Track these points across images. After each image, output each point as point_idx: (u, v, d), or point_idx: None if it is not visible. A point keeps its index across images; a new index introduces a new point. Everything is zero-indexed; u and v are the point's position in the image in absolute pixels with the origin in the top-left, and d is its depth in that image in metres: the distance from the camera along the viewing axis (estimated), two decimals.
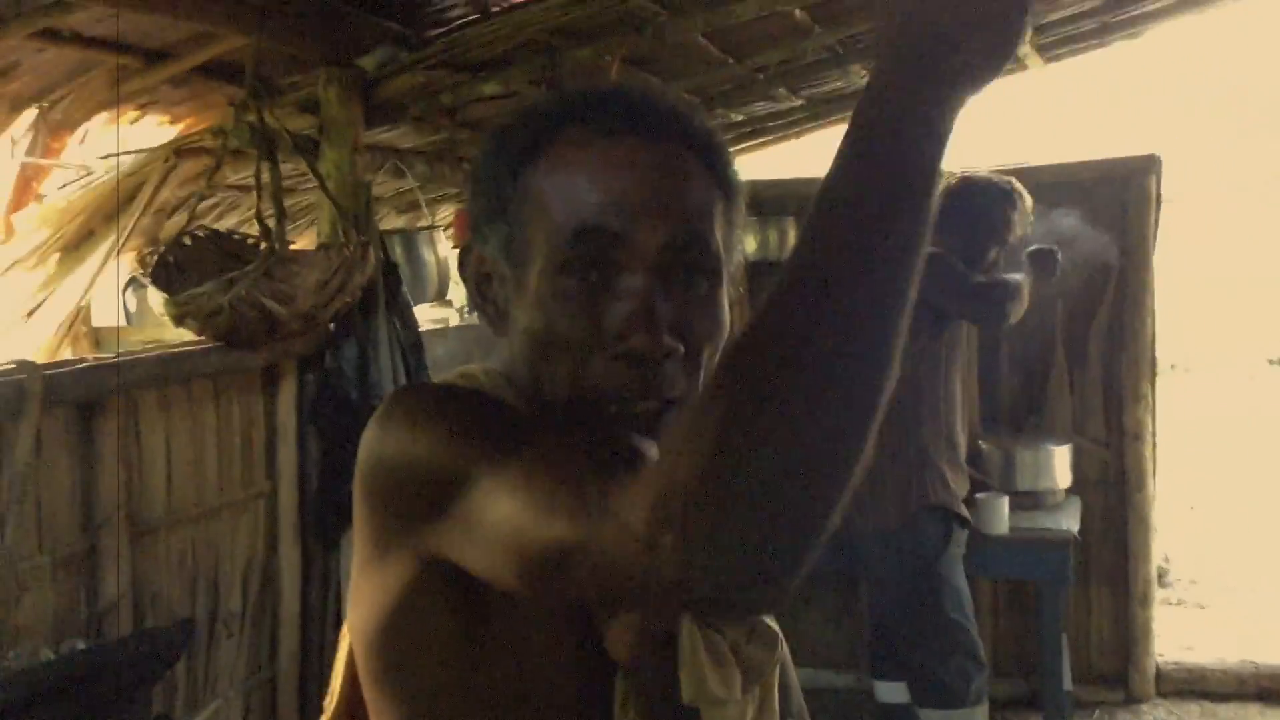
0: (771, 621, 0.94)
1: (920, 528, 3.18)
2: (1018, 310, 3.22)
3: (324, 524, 2.88)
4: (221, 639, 2.63)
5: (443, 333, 3.90)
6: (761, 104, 4.62)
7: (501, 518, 0.74)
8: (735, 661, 0.88)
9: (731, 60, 3.93)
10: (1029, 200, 3.32)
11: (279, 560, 2.81)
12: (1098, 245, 3.68)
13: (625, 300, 0.85)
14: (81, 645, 2.16)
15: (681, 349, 0.86)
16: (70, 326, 3.03)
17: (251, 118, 2.76)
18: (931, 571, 3.18)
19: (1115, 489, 4.19)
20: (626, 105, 0.90)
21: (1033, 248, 3.34)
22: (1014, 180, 3.34)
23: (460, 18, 3.26)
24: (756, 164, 5.43)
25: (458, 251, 1.00)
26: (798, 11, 3.60)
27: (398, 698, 0.87)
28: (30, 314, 2.97)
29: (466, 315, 4.51)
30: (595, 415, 0.86)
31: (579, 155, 0.88)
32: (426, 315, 4.13)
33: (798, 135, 5.19)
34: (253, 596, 2.74)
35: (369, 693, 0.90)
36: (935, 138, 0.63)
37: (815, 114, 4.96)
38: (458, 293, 4.70)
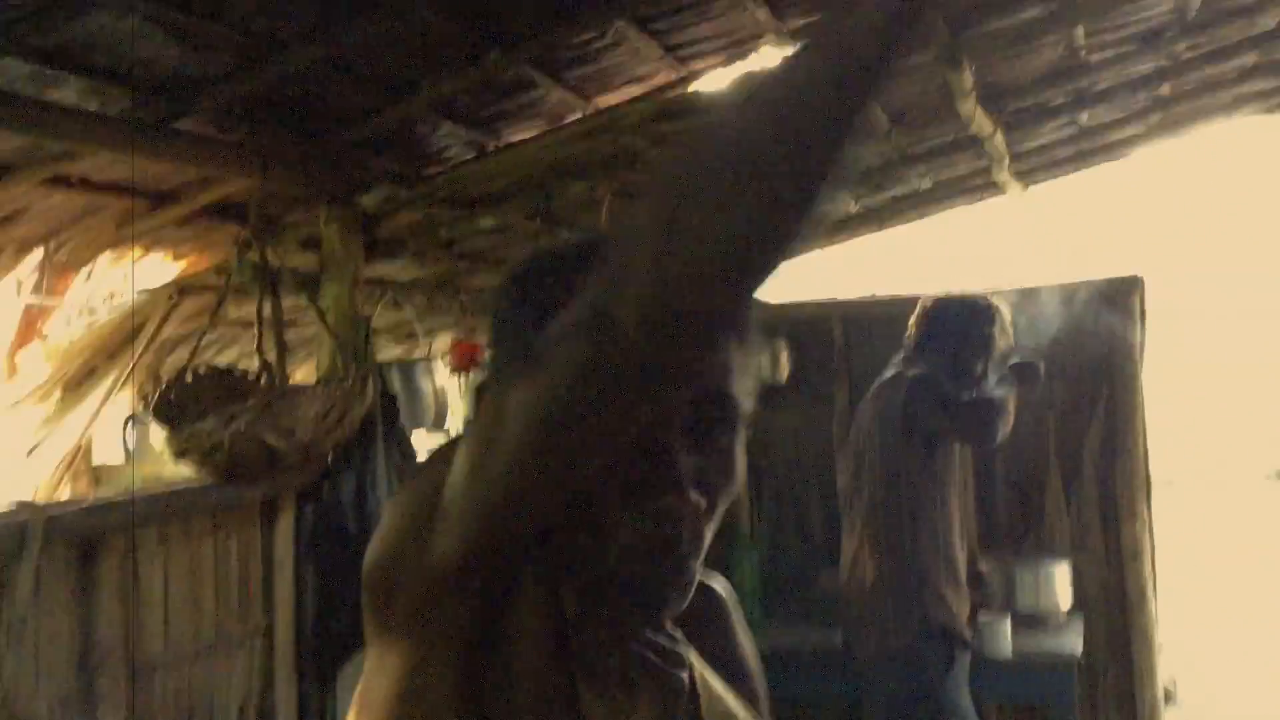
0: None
1: (922, 651, 3.16)
2: (1005, 426, 3.25)
3: (321, 658, 2.85)
4: None
5: None
6: None
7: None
8: None
9: None
10: (1006, 313, 3.37)
11: (275, 696, 2.78)
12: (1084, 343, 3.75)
13: (651, 459, 0.85)
14: None
15: (704, 505, 0.87)
16: (70, 464, 3.05)
17: (254, 256, 2.83)
18: (936, 696, 3.14)
19: (1117, 608, 4.17)
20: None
21: (1015, 361, 3.38)
22: (988, 296, 3.40)
23: (457, 156, 3.36)
24: None
25: (474, 393, 1.01)
26: None
27: None
28: (31, 452, 2.99)
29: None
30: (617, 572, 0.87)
31: None
32: (424, 443, 4.15)
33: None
34: None
35: None
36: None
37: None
38: (455, 421, 4.74)
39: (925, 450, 3.20)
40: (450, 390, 4.80)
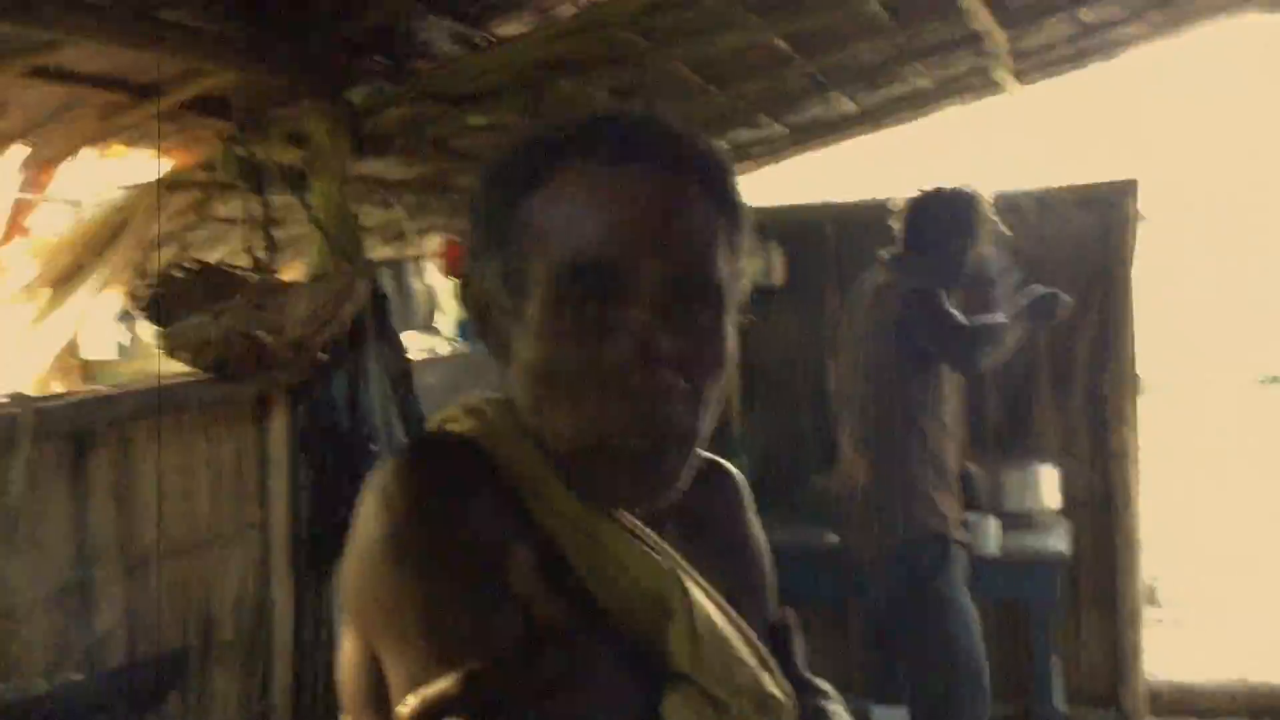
0: (778, 688, 0.92)
1: (913, 552, 3.20)
2: (994, 356, 3.21)
3: (316, 554, 2.88)
4: (215, 671, 2.63)
5: (431, 361, 3.91)
6: (744, 131, 4.67)
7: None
8: None
9: (714, 89, 3.98)
10: (988, 201, 3.33)
11: (272, 591, 2.81)
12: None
13: (625, 335, 0.84)
14: (76, 677, 2.16)
15: (683, 383, 0.86)
16: (60, 360, 3.04)
17: (240, 151, 2.79)
18: (931, 591, 3.19)
19: (1103, 510, 4.22)
20: (626, 133, 0.89)
21: (1038, 293, 3.30)
22: (971, 185, 3.36)
23: (447, 51, 3.29)
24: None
25: (459, 281, 0.98)
26: (779, 40, 3.65)
27: None
28: (20, 347, 2.97)
29: (454, 344, 4.53)
30: (596, 453, 0.86)
31: (578, 186, 0.87)
32: (417, 344, 4.15)
33: (779, 161, 5.23)
34: (246, 628, 2.73)
35: None
36: None
37: (797, 140, 5.01)
38: (445, 321, 4.73)
39: (918, 364, 3.20)
40: (440, 291, 4.79)
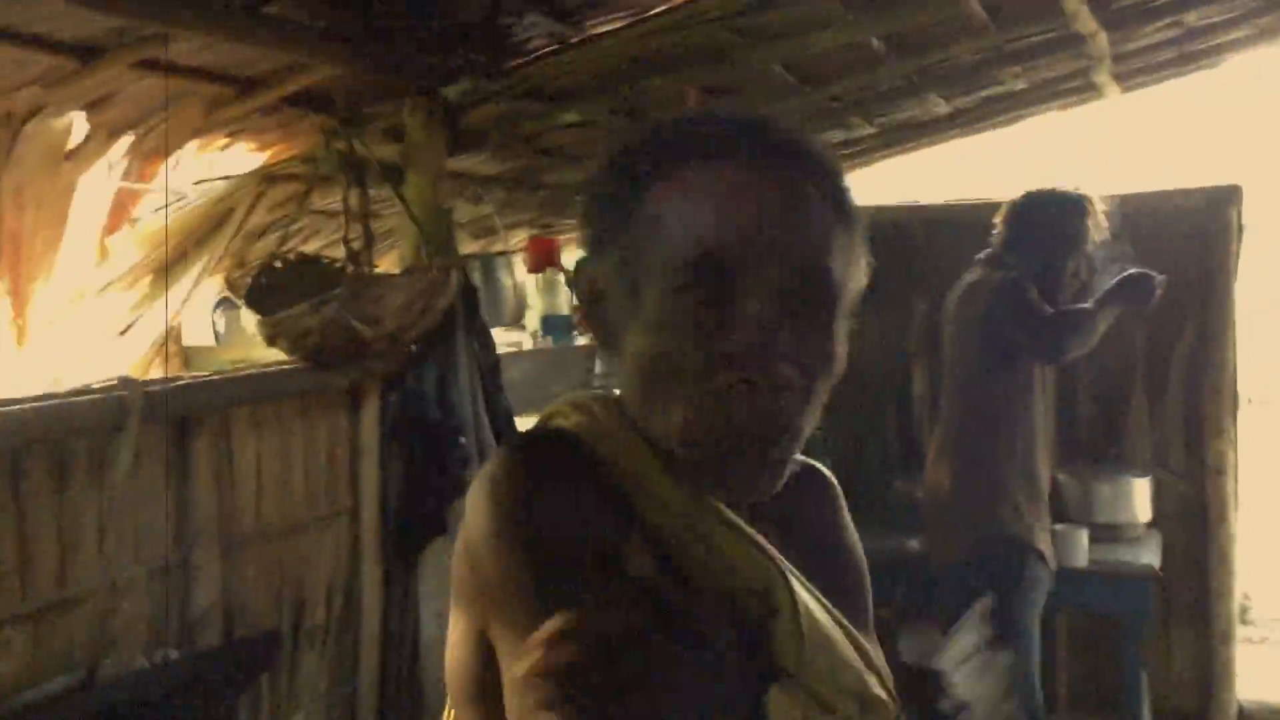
0: (883, 690, 0.92)
1: (993, 560, 3.13)
2: (1081, 343, 3.10)
3: (404, 543, 2.92)
4: (305, 653, 2.68)
5: (517, 356, 3.95)
6: (836, 131, 4.64)
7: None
8: None
9: (807, 88, 3.96)
10: (1099, 205, 3.20)
11: (361, 577, 2.86)
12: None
13: (742, 328, 0.85)
14: (173, 655, 2.21)
15: (797, 379, 0.86)
16: (162, 346, 3.12)
17: (341, 145, 2.84)
18: (1004, 608, 3.10)
19: (1196, 524, 4.11)
20: (747, 131, 0.90)
21: (1129, 272, 3.15)
22: (1080, 188, 3.23)
23: (541, 48, 3.32)
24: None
25: (571, 268, 0.98)
26: (874, 40, 3.61)
27: None
28: (124, 333, 3.06)
29: (540, 339, 4.56)
30: (708, 444, 0.86)
31: (701, 181, 0.87)
32: (501, 338, 4.19)
33: (869, 163, 5.19)
34: (336, 612, 2.78)
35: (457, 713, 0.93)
36: None
37: (888, 142, 4.96)
38: (532, 316, 4.76)
39: (1004, 359, 3.13)
40: (528, 286, 4.82)
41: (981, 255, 3.27)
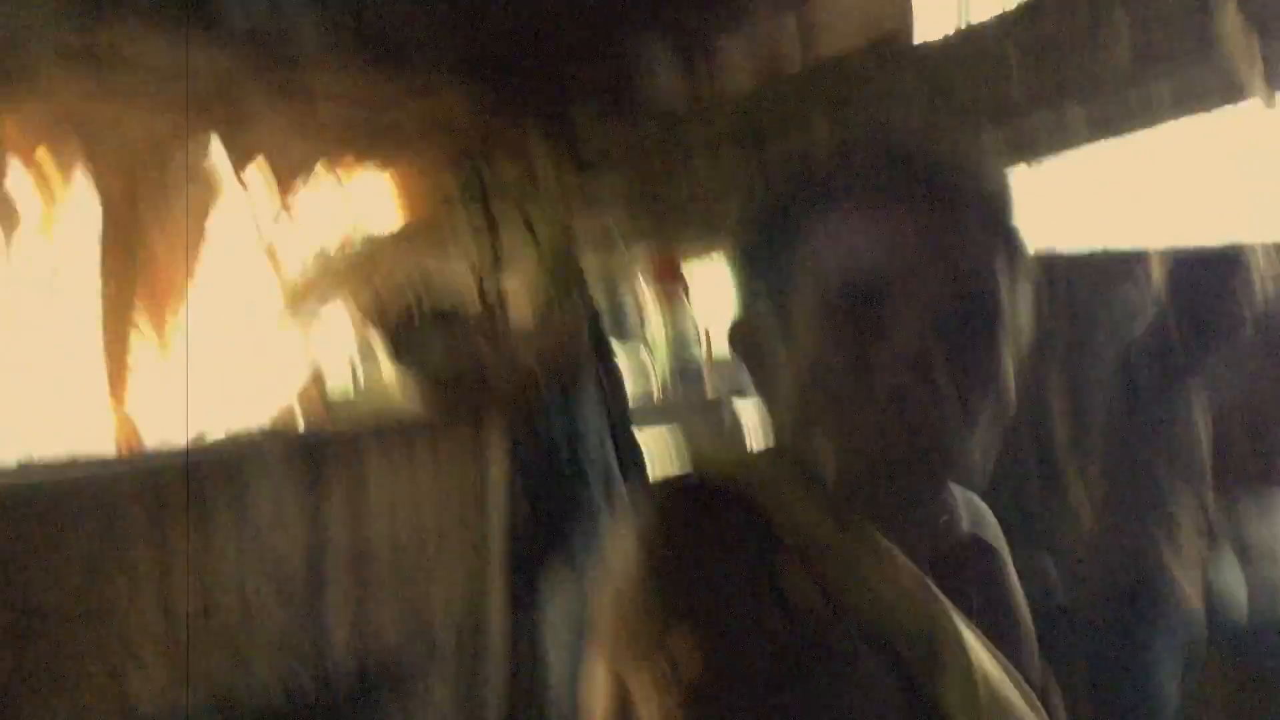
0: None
1: (1122, 608, 2.97)
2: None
3: (529, 570, 2.92)
4: (435, 683, 2.70)
5: (648, 409, 3.87)
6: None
7: None
8: None
9: (939, 101, 3.86)
10: (1263, 264, 2.95)
11: (489, 603, 2.87)
12: None
13: (900, 348, 0.84)
14: (309, 683, 2.25)
15: (955, 396, 0.84)
16: (304, 389, 3.19)
17: (467, 170, 2.85)
18: (1134, 665, 2.95)
19: None
20: (903, 155, 0.88)
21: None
22: (1240, 248, 2.98)
23: (667, 69, 3.29)
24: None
25: (728, 327, 0.96)
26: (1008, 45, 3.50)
27: None
28: (269, 375, 3.14)
29: (669, 388, 4.50)
30: (868, 466, 0.85)
31: (857, 206, 0.86)
32: (625, 360, 4.16)
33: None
34: (465, 645, 2.80)
35: None
36: None
37: (1018, 150, 4.81)
38: (654, 333, 4.73)
39: (1143, 415, 2.98)
40: (649, 304, 4.79)
41: (1143, 316, 3.11)
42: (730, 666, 0.79)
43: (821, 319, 0.86)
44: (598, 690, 0.89)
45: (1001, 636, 0.98)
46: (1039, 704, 0.91)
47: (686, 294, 4.20)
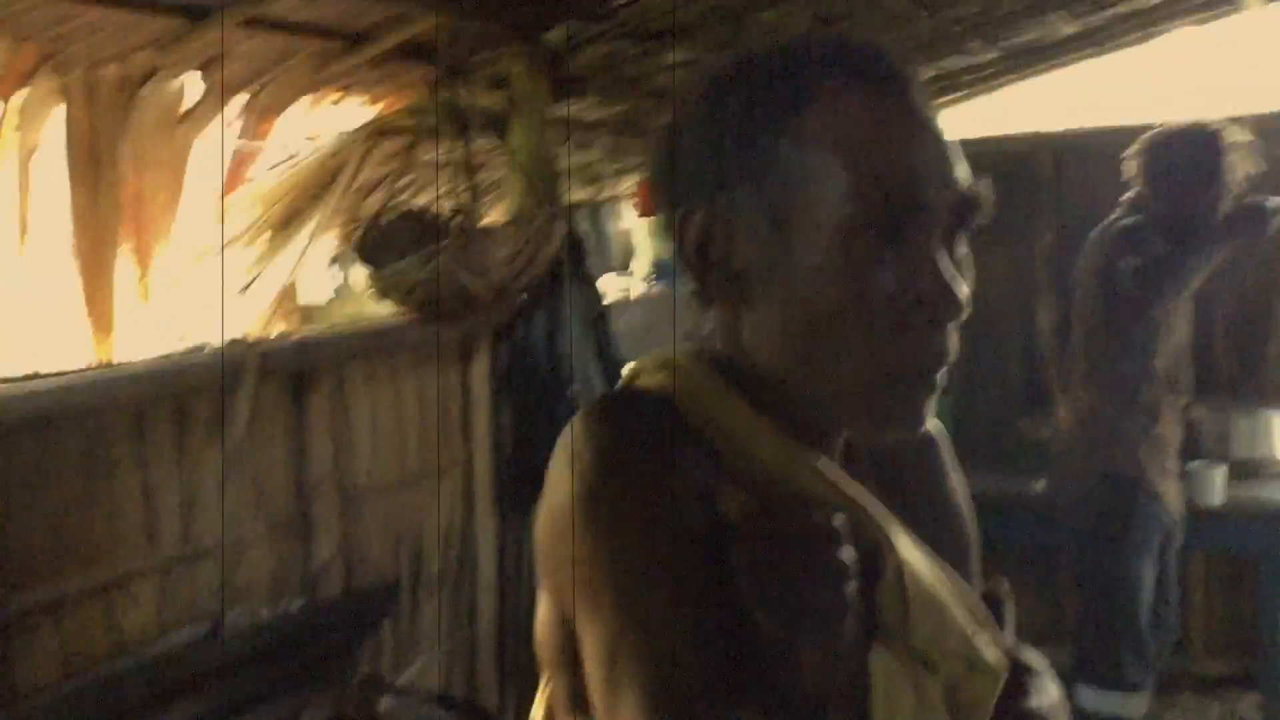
0: (991, 651, 0.88)
1: (1103, 500, 3.02)
2: (1176, 291, 2.92)
3: (517, 492, 2.95)
4: (423, 602, 2.74)
5: (626, 304, 3.93)
6: (955, 57, 4.45)
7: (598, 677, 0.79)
8: (945, 706, 0.84)
9: (924, 14, 3.80)
10: (1244, 139, 2.96)
11: (476, 526, 2.91)
12: None
13: (921, 264, 0.81)
14: (295, 605, 2.28)
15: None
16: (279, 303, 3.19)
17: (445, 96, 2.83)
18: (1110, 552, 3.01)
19: None
20: (877, 53, 0.85)
21: (1244, 202, 2.92)
22: (1219, 124, 3.00)
23: None
24: (948, 121, 5.23)
25: (672, 215, 0.88)
26: None
27: (560, 688, 0.91)
28: (244, 290, 3.13)
29: (651, 285, 4.54)
30: (888, 384, 0.83)
31: (856, 109, 0.82)
32: (610, 285, 4.18)
33: (992, 90, 4.98)
34: (452, 561, 2.84)
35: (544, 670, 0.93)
36: None
37: (1012, 66, 4.75)
38: (641, 263, 4.74)
39: (1123, 305, 2.99)
40: (636, 232, 4.79)
41: (1125, 198, 3.11)
42: (669, 593, 0.78)
43: (835, 227, 0.81)
44: (546, 616, 0.90)
45: (941, 528, 0.99)
46: (975, 601, 0.91)
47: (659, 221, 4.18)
